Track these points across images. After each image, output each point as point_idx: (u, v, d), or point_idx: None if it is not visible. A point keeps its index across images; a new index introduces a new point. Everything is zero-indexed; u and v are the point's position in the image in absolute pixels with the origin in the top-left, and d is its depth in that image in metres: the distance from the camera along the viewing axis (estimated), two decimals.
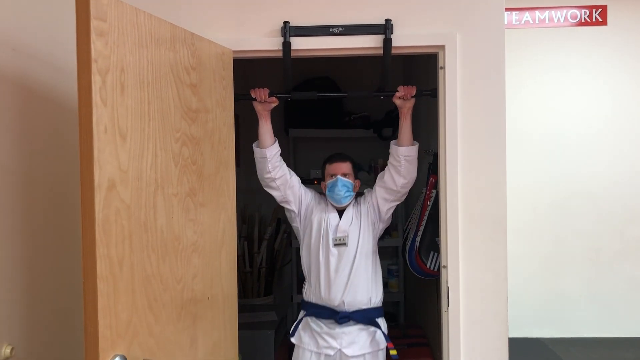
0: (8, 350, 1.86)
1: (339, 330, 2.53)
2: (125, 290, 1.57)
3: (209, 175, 2.07)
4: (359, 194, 2.73)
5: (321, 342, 2.54)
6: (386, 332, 2.59)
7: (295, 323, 2.67)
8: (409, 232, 3.02)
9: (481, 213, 2.32)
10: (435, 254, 2.73)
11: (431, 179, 2.83)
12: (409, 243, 2.94)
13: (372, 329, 2.56)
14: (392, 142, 2.56)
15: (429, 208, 2.81)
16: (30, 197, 2.04)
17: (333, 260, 2.54)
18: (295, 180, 2.64)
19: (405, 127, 2.50)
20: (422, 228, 2.83)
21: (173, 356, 1.80)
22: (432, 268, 2.76)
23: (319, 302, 2.58)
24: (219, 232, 2.14)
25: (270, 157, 2.54)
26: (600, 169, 5.11)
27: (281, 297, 4.56)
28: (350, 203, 2.63)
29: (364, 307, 2.55)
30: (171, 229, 1.81)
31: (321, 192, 2.72)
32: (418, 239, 2.83)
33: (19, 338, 1.94)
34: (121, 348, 1.53)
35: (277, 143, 2.60)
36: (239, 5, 2.33)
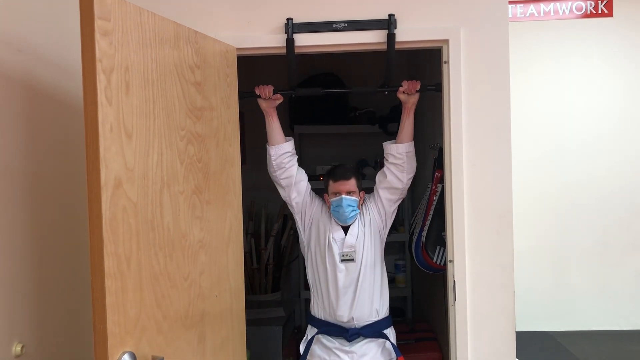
0: (19, 348, 1.88)
1: (349, 346, 2.52)
2: (133, 287, 1.58)
3: (215, 173, 2.08)
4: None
5: (332, 357, 2.53)
6: (395, 342, 2.57)
7: (305, 341, 2.61)
8: (415, 227, 3.03)
9: (487, 207, 2.32)
10: (442, 248, 2.73)
11: (437, 173, 2.83)
12: (415, 238, 2.94)
13: (382, 340, 2.55)
14: (387, 143, 2.53)
15: (434, 203, 2.81)
16: (38, 196, 2.06)
17: (341, 277, 2.49)
18: (303, 186, 2.57)
19: (408, 123, 2.50)
20: (428, 223, 2.83)
21: (181, 352, 1.81)
22: (438, 262, 2.76)
23: (328, 319, 2.55)
24: (225, 229, 2.15)
25: (274, 156, 2.51)
26: (608, 162, 5.09)
27: (288, 293, 4.57)
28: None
29: (373, 319, 2.53)
30: (178, 227, 1.82)
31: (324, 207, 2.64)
32: (424, 233, 2.83)
33: (30, 336, 1.96)
34: (130, 345, 1.55)
35: (287, 144, 2.53)
36: (243, 2, 2.33)
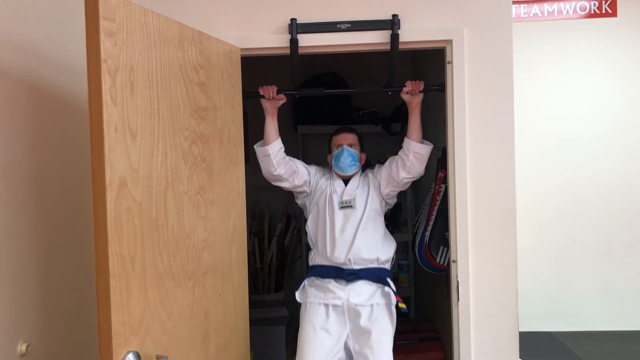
0: (24, 347, 1.89)
1: (345, 284, 2.51)
2: (138, 287, 1.59)
3: (219, 173, 2.09)
4: (366, 167, 2.73)
5: (328, 293, 2.50)
6: (395, 290, 2.57)
7: (300, 289, 2.62)
8: (418, 227, 3.03)
9: (490, 207, 2.32)
10: (445, 248, 2.73)
11: (440, 173, 2.83)
12: (418, 238, 2.94)
13: (380, 285, 2.53)
14: (406, 137, 2.56)
15: (438, 203, 2.81)
16: (43, 196, 2.07)
17: (339, 221, 2.55)
18: (299, 165, 2.65)
19: (414, 122, 2.51)
20: (431, 223, 2.83)
21: (185, 352, 1.82)
22: (441, 263, 2.76)
23: (325, 262, 2.57)
24: (229, 228, 2.16)
25: (273, 153, 2.54)
26: (610, 162, 5.07)
27: (292, 293, 4.54)
28: (356, 173, 2.65)
29: (371, 265, 2.54)
30: (182, 226, 1.83)
31: (325, 165, 2.77)
32: (427, 233, 2.83)
33: (35, 335, 1.98)
34: (134, 344, 1.55)
35: (278, 140, 2.59)
36: (247, 3, 2.34)
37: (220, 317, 2.07)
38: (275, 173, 2.56)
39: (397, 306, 2.52)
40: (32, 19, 2.06)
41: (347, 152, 2.60)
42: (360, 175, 2.68)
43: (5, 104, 1.87)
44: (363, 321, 2.44)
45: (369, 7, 2.31)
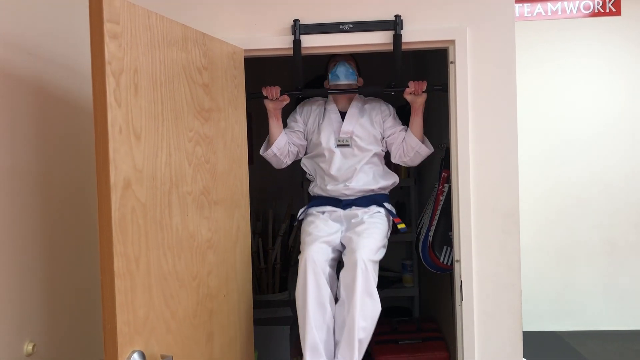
0: (30, 347, 1.90)
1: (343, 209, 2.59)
2: (142, 287, 1.60)
3: (222, 174, 2.10)
4: (367, 95, 2.75)
5: (327, 214, 2.60)
6: (394, 211, 2.64)
7: (301, 210, 2.72)
8: (422, 227, 3.03)
9: (493, 206, 2.32)
10: (449, 248, 2.74)
11: (443, 173, 2.83)
12: (422, 238, 2.95)
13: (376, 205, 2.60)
14: (409, 130, 2.59)
15: (441, 202, 2.82)
16: (48, 197, 2.08)
17: (336, 160, 2.57)
18: (294, 138, 2.67)
19: (416, 123, 2.51)
20: (435, 222, 2.84)
21: (190, 352, 1.83)
22: (445, 262, 2.77)
23: (323, 194, 2.64)
24: (233, 229, 2.17)
25: (278, 151, 2.59)
26: (615, 160, 5.06)
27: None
28: (353, 100, 2.65)
29: (368, 193, 2.60)
30: (186, 227, 1.84)
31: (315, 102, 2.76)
32: (431, 233, 2.83)
33: (41, 335, 1.99)
34: (139, 344, 1.56)
35: (282, 134, 2.62)
36: (250, 4, 2.35)
37: (225, 317, 2.08)
38: (285, 165, 2.62)
39: (395, 226, 2.59)
40: (36, 20, 2.07)
41: (344, 66, 2.58)
42: (359, 106, 2.65)
43: (10, 106, 1.88)
44: (357, 219, 2.54)
45: (371, 7, 2.32)
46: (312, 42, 2.33)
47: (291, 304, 3.83)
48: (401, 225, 2.56)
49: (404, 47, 2.32)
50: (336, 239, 2.48)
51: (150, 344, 1.61)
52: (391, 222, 2.63)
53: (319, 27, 2.32)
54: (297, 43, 2.31)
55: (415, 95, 2.48)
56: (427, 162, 2.67)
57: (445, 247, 2.77)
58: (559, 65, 5.08)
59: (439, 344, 3.24)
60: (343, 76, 2.58)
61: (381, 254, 2.45)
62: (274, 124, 2.57)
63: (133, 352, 1.53)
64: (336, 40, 2.34)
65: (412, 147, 2.53)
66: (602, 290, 5.09)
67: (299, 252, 4.37)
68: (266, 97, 2.52)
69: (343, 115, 2.63)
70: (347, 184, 2.56)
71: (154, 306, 1.65)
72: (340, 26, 2.32)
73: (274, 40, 2.35)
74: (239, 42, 2.28)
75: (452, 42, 2.32)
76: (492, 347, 2.33)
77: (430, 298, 4.08)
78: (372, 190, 2.60)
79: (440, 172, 2.89)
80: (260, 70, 3.46)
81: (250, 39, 2.33)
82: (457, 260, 2.35)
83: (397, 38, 2.29)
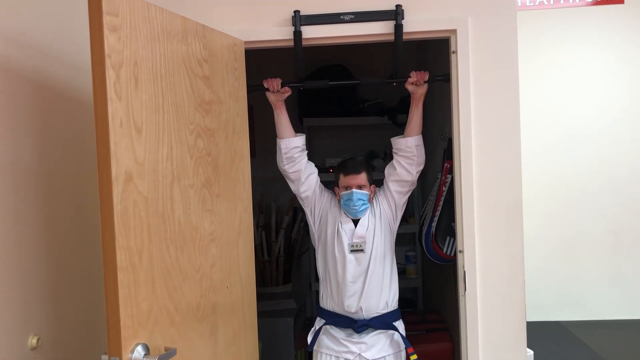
0: (35, 341, 1.91)
1: (358, 337, 2.53)
2: (145, 280, 1.60)
3: (224, 166, 2.10)
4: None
5: (340, 347, 2.53)
6: (404, 334, 2.58)
7: (313, 332, 2.63)
8: (425, 218, 3.03)
9: (496, 197, 2.32)
10: (452, 239, 2.73)
11: (446, 164, 2.82)
12: (425, 229, 2.94)
13: (390, 331, 2.55)
14: (395, 138, 2.53)
15: (444, 193, 2.81)
16: (50, 191, 2.08)
17: (350, 267, 2.50)
18: (312, 178, 2.58)
19: (416, 114, 2.49)
20: (438, 213, 2.83)
21: (193, 344, 1.83)
22: (448, 253, 2.77)
23: (337, 309, 2.56)
24: (235, 221, 2.17)
25: (284, 149, 2.52)
26: (619, 151, 5.05)
27: (300, 285, 4.60)
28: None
29: (382, 311, 2.54)
30: (188, 220, 1.84)
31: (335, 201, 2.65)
32: (434, 224, 2.83)
33: (45, 329, 2.00)
34: (143, 336, 1.57)
35: (297, 138, 2.54)
36: None
37: (228, 310, 2.08)
38: (282, 168, 2.56)
39: (408, 357, 2.54)
40: (36, 14, 2.06)
41: (357, 197, 2.48)
42: (369, 208, 2.57)
43: (11, 100, 1.88)
44: None
45: None
46: (313, 33, 2.32)
47: (295, 296, 3.84)
48: (413, 357, 2.50)
49: (405, 37, 2.31)
50: None
51: (154, 337, 1.62)
52: (405, 353, 2.56)
53: (319, 18, 2.31)
54: (297, 34, 2.30)
55: (417, 85, 2.46)
56: (429, 152, 2.66)
57: (448, 238, 2.76)
58: (562, 54, 5.06)
59: (443, 334, 3.25)
60: (357, 212, 2.50)
61: None
62: (279, 116, 2.54)
63: (137, 344, 1.53)
64: (337, 31, 2.32)
65: (409, 147, 2.47)
66: (607, 280, 5.10)
67: (302, 244, 4.42)
68: (267, 90, 2.51)
69: (355, 222, 2.55)
70: (361, 299, 2.49)
71: (157, 299, 1.65)
72: (341, 17, 2.30)
73: (274, 31, 2.33)
74: (239, 34, 2.27)
75: (454, 31, 2.31)
76: (496, 338, 2.33)
77: (433, 289, 4.08)
78: (385, 305, 2.53)
79: (443, 163, 2.88)
80: (261, 62, 3.45)
81: (250, 31, 2.32)
82: (460, 251, 2.35)
83: (398, 28, 2.28)
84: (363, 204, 2.50)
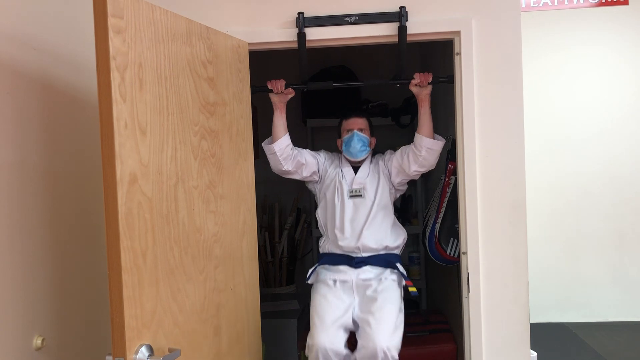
0: (39, 341, 1.92)
1: (355, 269, 2.57)
2: (150, 281, 1.60)
3: (228, 167, 2.10)
4: (376, 152, 2.75)
5: (338, 273, 2.58)
6: (404, 274, 2.63)
7: (311, 270, 2.71)
8: (428, 219, 3.02)
9: (500, 198, 2.32)
10: (455, 240, 2.73)
11: (450, 165, 2.82)
12: (428, 230, 2.94)
13: (389, 269, 2.59)
14: (417, 132, 2.56)
15: (448, 195, 2.81)
16: (56, 192, 2.09)
17: (348, 211, 2.58)
18: (307, 156, 2.67)
19: (425, 115, 2.50)
20: (441, 215, 2.83)
21: (197, 345, 1.84)
22: (452, 254, 2.76)
23: (335, 250, 2.62)
24: (239, 222, 2.17)
25: (280, 151, 2.57)
26: (622, 151, 5.03)
27: (303, 286, 4.58)
28: (366, 158, 2.67)
29: (381, 252, 2.59)
30: (192, 221, 1.84)
31: (334, 151, 2.80)
32: (437, 225, 2.83)
33: (50, 329, 2.00)
34: (147, 337, 1.57)
35: (286, 136, 2.60)
36: None
37: (232, 311, 2.09)
38: (283, 169, 2.58)
39: (406, 289, 2.57)
40: (41, 16, 2.07)
41: (358, 137, 2.60)
42: (371, 162, 2.69)
43: (16, 102, 1.89)
44: (370, 291, 2.51)
45: None
46: (316, 35, 2.32)
47: (298, 296, 3.84)
48: (412, 289, 2.54)
49: (409, 38, 2.31)
50: (348, 318, 2.47)
51: (158, 338, 1.62)
52: (403, 285, 2.60)
53: (323, 20, 2.31)
54: (301, 36, 2.30)
55: (421, 87, 2.46)
56: None
57: (451, 239, 2.76)
58: (566, 55, 5.05)
59: (447, 336, 3.24)
60: (357, 152, 2.62)
61: (400, 330, 2.43)
62: (279, 117, 2.57)
63: (141, 345, 1.54)
64: (341, 33, 2.33)
65: (422, 146, 2.51)
66: (610, 282, 5.08)
67: (305, 245, 4.42)
68: (271, 91, 2.52)
69: (356, 169, 2.66)
70: (359, 239, 2.55)
71: (161, 300, 1.66)
72: (345, 18, 2.31)
73: (278, 33, 2.34)
74: (243, 35, 2.28)
75: (458, 33, 2.31)
76: (500, 339, 2.33)
77: (437, 290, 4.08)
78: (385, 248, 2.59)
79: (447, 164, 2.88)
80: (265, 64, 3.45)
81: (254, 33, 2.32)
82: (463, 253, 2.35)
83: (402, 30, 2.28)
84: (363, 145, 2.61)
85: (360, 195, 2.58)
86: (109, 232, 1.51)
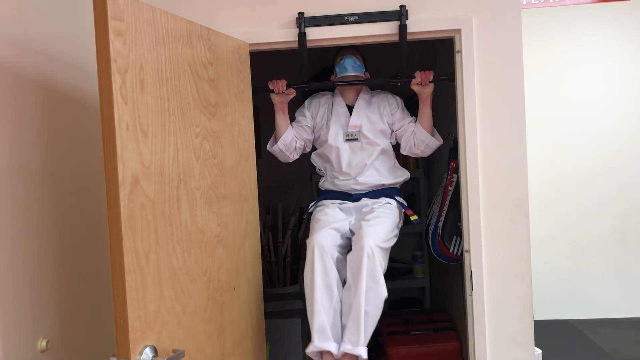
0: (44, 343, 1.92)
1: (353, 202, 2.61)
2: (153, 282, 1.61)
3: (230, 168, 2.10)
4: (374, 87, 2.76)
5: (337, 203, 2.63)
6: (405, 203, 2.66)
7: (312, 204, 2.74)
8: (431, 218, 3.03)
9: (502, 196, 2.31)
10: (458, 238, 2.73)
11: (452, 164, 2.82)
12: (431, 228, 2.94)
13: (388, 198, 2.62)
14: (418, 122, 2.58)
15: (450, 193, 2.81)
16: (58, 195, 2.10)
17: (345, 155, 2.59)
18: (302, 133, 2.68)
19: (425, 113, 2.51)
20: (444, 213, 2.83)
21: (201, 346, 1.84)
22: (455, 252, 2.76)
23: (334, 188, 2.67)
24: (242, 223, 2.18)
25: (285, 147, 2.61)
26: (624, 147, 5.02)
27: None
28: (360, 93, 2.66)
29: (379, 188, 2.62)
30: (195, 222, 1.85)
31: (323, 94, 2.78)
32: (440, 224, 2.83)
33: (54, 331, 2.01)
34: (151, 339, 1.58)
35: (289, 129, 2.63)
36: None
37: (236, 311, 2.09)
38: (292, 160, 2.64)
39: (407, 217, 2.61)
40: (42, 20, 2.08)
41: (351, 58, 2.59)
42: (366, 99, 2.66)
43: (18, 105, 1.89)
44: (367, 208, 2.55)
45: None
46: (317, 35, 2.33)
47: (302, 296, 3.84)
48: (413, 217, 2.56)
49: (409, 37, 2.31)
50: (345, 226, 2.49)
51: (162, 339, 1.63)
52: (402, 214, 2.63)
53: (323, 19, 2.31)
54: (302, 36, 2.30)
55: (422, 85, 2.47)
56: (435, 152, 2.67)
57: (454, 237, 2.76)
58: (566, 52, 5.04)
59: (451, 334, 3.25)
60: (350, 68, 2.57)
61: (391, 242, 2.44)
62: (281, 117, 2.58)
63: (145, 347, 1.54)
64: (341, 32, 2.33)
65: (422, 140, 2.53)
66: (614, 278, 5.07)
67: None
68: (272, 91, 2.52)
69: (350, 109, 2.63)
70: (357, 178, 2.57)
71: (165, 301, 1.66)
72: (345, 18, 2.31)
73: (278, 33, 2.34)
74: (243, 36, 2.28)
75: (458, 31, 2.31)
76: (504, 337, 2.33)
77: (441, 289, 4.08)
78: (383, 185, 2.60)
79: (449, 162, 2.88)
80: (266, 64, 3.45)
81: (255, 33, 2.33)
82: (466, 251, 2.35)
83: (403, 28, 2.28)
84: (356, 62, 2.58)
85: (356, 139, 2.58)
86: (111, 233, 1.51)
